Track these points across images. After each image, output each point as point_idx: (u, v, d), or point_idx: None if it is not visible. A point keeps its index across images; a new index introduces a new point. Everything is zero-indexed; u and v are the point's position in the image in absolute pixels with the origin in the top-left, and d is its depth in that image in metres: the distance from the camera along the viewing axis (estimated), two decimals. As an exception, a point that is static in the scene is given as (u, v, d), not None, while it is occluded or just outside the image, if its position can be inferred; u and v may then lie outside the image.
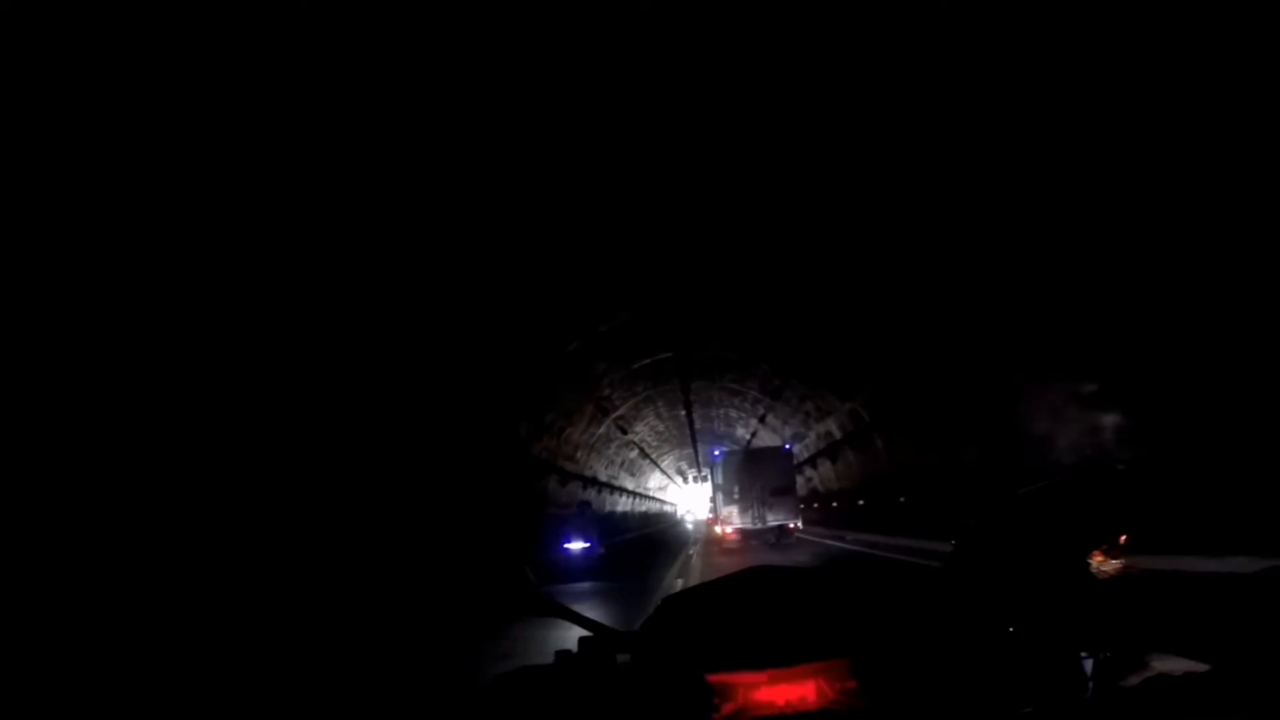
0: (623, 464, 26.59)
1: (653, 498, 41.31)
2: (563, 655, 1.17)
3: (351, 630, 5.53)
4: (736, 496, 18.71)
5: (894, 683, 0.99)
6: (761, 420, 24.43)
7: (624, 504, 29.85)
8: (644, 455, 29.40)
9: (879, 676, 0.99)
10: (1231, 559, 5.05)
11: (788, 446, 20.82)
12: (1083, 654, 1.00)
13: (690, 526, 38.62)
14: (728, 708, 1.00)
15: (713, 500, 22.25)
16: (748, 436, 28.42)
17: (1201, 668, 0.91)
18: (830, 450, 20.25)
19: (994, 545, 1.11)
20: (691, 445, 30.38)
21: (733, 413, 24.37)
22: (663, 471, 39.09)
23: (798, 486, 19.86)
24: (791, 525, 18.26)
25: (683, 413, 21.63)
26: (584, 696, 1.08)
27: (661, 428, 26.01)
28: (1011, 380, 9.46)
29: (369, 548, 7.20)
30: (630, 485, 30.31)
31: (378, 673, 4.23)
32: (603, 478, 22.85)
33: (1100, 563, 1.02)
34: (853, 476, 19.39)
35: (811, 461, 23.08)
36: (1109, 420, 7.60)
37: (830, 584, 1.17)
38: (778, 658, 1.01)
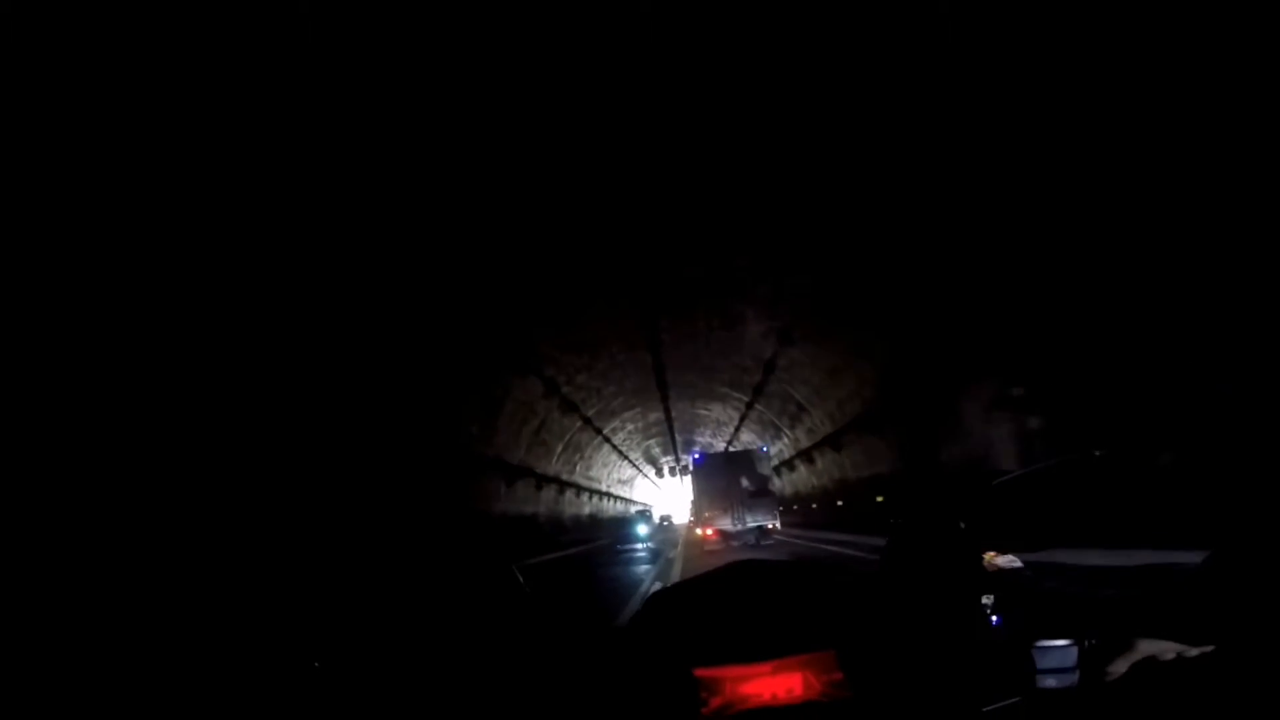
0: (574, 453, 24.89)
1: (614, 494, 36.81)
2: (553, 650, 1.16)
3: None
4: (717, 499, 19.30)
5: (880, 673, 0.99)
6: (741, 422, 25.26)
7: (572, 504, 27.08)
8: (613, 447, 28.18)
9: (865, 667, 0.99)
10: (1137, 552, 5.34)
11: (764, 449, 21.83)
12: (1065, 641, 1.00)
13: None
14: (716, 701, 1.00)
15: (694, 503, 23.05)
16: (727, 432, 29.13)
17: (1191, 652, 0.92)
18: (808, 453, 21.05)
19: (920, 541, 1.13)
20: (669, 433, 29.05)
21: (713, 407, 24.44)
22: (628, 459, 34.86)
23: (777, 488, 20.64)
24: (771, 526, 18.81)
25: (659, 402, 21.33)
26: (574, 691, 1.07)
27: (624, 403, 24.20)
28: (956, 391, 10.94)
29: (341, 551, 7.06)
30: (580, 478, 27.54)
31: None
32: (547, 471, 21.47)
33: (991, 558, 1.05)
34: (831, 478, 20.07)
35: (789, 464, 23.81)
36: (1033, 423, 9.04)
37: (815, 577, 1.17)
38: (764, 651, 1.02)
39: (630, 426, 25.94)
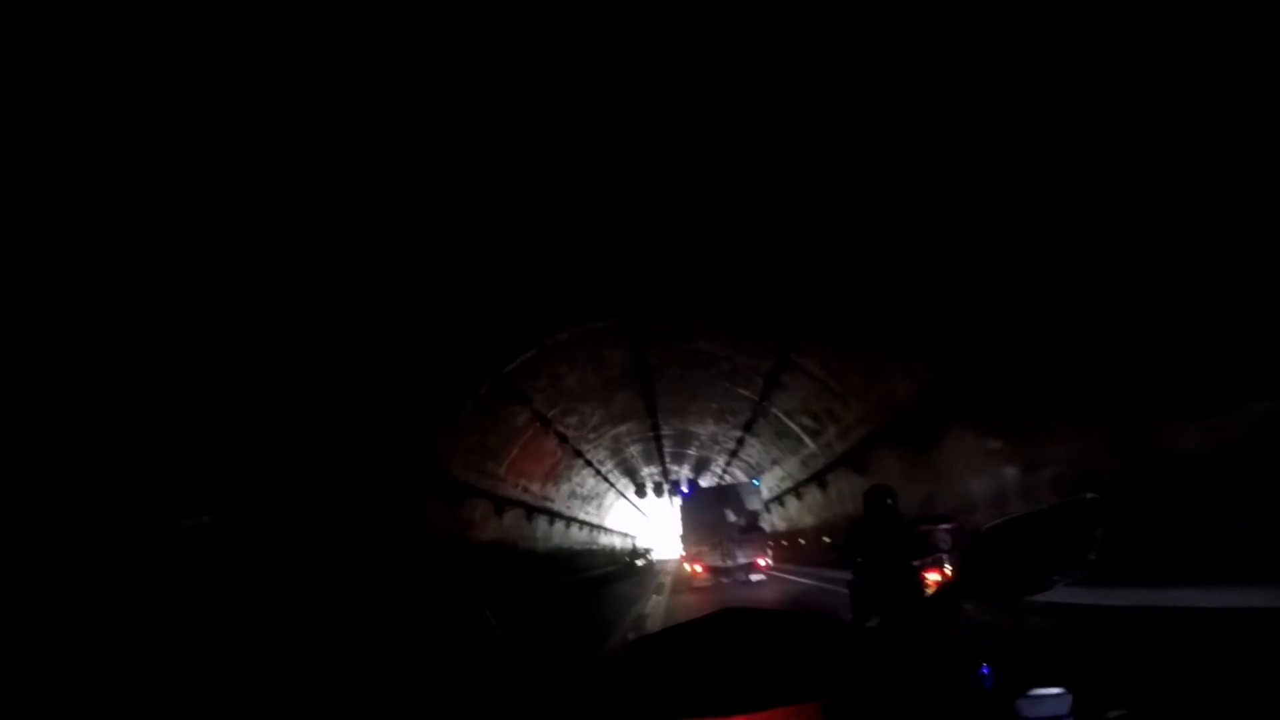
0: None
1: (599, 526, 32.78)
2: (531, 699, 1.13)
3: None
4: (705, 534, 19.32)
5: None
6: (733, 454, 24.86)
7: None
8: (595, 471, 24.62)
9: (853, 719, 0.97)
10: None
11: (755, 483, 21.83)
12: (1057, 690, 0.99)
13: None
14: None
15: (683, 539, 22.67)
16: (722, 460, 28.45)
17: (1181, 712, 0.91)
18: (798, 489, 20.62)
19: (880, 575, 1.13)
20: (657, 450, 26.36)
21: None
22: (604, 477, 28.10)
23: (768, 523, 20.55)
24: (762, 562, 18.67)
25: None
26: None
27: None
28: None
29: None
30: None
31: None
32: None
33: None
34: (824, 511, 19.59)
35: (780, 499, 23.39)
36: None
37: (801, 626, 1.16)
38: (748, 702, 0.99)
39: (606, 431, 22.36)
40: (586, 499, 28.07)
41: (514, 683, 1.20)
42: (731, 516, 19.32)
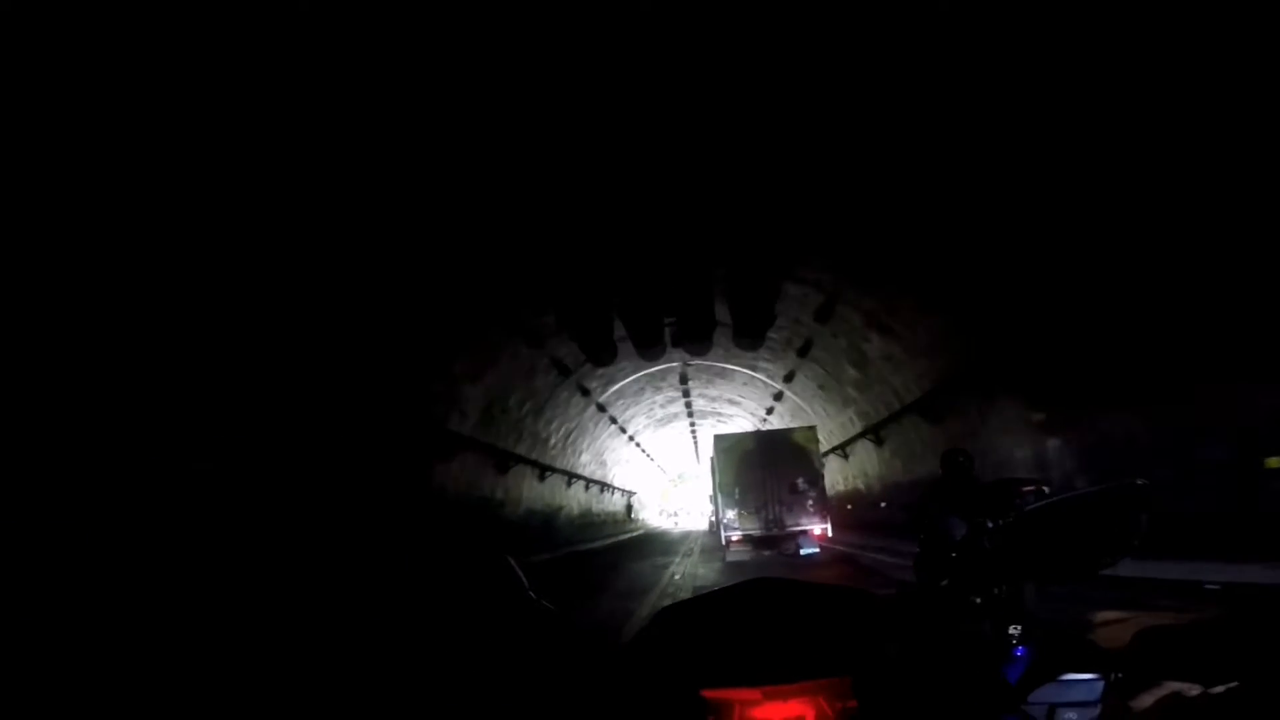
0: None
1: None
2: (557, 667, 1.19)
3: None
4: (745, 495, 16.26)
5: (895, 703, 1.00)
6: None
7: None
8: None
9: (880, 696, 1.00)
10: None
11: (811, 425, 18.15)
12: (1091, 675, 1.00)
13: None
14: None
15: (713, 500, 19.50)
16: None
17: (1217, 689, 0.91)
18: (877, 429, 16.92)
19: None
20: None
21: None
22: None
23: (827, 481, 16.98)
24: (818, 532, 15.70)
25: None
26: (577, 709, 1.10)
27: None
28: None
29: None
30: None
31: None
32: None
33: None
34: (903, 466, 16.48)
35: (843, 449, 20.10)
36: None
37: (833, 599, 1.18)
38: (776, 674, 1.05)
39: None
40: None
41: (547, 638, 1.24)
42: (779, 470, 16.11)
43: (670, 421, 31.47)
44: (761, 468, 16.23)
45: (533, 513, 18.50)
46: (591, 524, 26.08)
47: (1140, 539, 1.08)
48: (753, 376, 22.05)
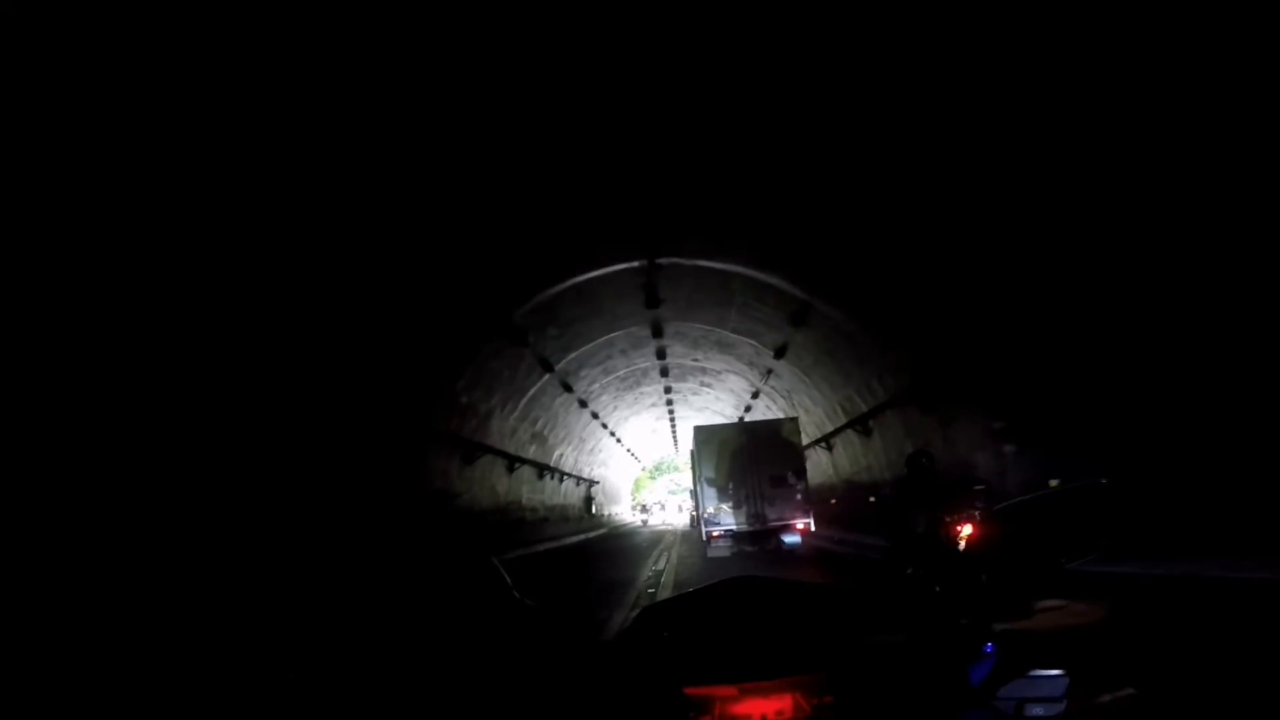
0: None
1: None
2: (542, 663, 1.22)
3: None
4: (726, 488, 15.90)
5: (869, 698, 1.04)
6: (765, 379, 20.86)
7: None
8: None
9: (855, 691, 1.05)
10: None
11: (794, 417, 17.95)
12: (1056, 671, 1.05)
13: None
14: None
15: (693, 494, 19.16)
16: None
17: (1181, 689, 0.96)
18: (862, 420, 16.53)
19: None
20: None
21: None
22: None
23: (808, 474, 16.61)
24: (801, 525, 15.41)
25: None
26: (562, 704, 1.13)
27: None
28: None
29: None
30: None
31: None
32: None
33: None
34: (888, 458, 16.12)
35: (826, 441, 19.63)
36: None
37: (808, 597, 1.22)
38: (755, 671, 1.08)
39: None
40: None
41: (532, 637, 1.26)
42: (761, 461, 15.75)
43: (640, 392, 26.77)
44: (743, 460, 15.88)
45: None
46: (525, 523, 20.71)
47: (1108, 537, 1.13)
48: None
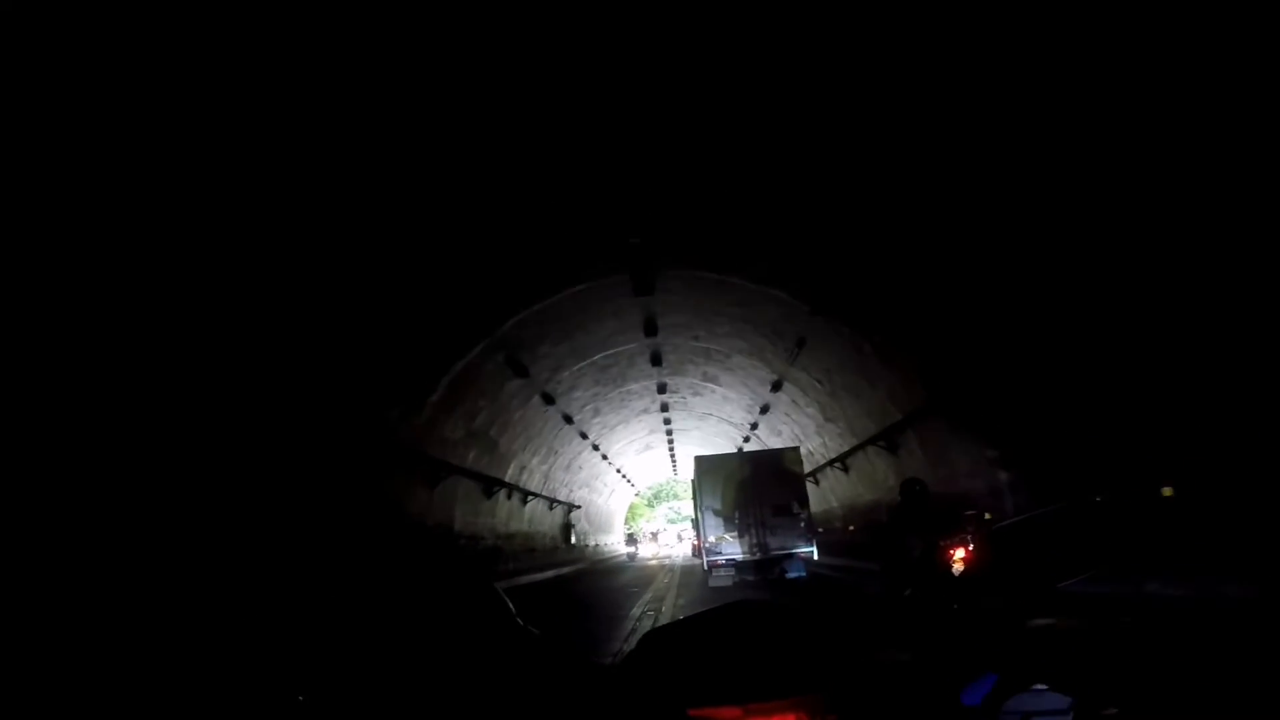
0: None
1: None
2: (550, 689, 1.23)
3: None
4: (727, 517, 15.94)
5: (872, 716, 1.06)
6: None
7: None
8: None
9: (858, 709, 1.06)
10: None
11: (795, 446, 17.94)
12: (1058, 695, 1.06)
13: None
14: None
15: (695, 523, 19.23)
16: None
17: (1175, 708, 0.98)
18: (864, 447, 16.05)
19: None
20: None
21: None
22: None
23: (811, 502, 16.58)
24: (804, 554, 15.44)
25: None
26: None
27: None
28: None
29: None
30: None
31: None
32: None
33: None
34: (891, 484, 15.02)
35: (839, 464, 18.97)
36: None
37: (807, 619, 1.25)
38: (758, 691, 1.10)
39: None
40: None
41: (537, 664, 1.27)
42: (763, 491, 15.74)
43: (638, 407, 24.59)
44: (746, 490, 15.92)
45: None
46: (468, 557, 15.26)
47: (1104, 555, 1.15)
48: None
